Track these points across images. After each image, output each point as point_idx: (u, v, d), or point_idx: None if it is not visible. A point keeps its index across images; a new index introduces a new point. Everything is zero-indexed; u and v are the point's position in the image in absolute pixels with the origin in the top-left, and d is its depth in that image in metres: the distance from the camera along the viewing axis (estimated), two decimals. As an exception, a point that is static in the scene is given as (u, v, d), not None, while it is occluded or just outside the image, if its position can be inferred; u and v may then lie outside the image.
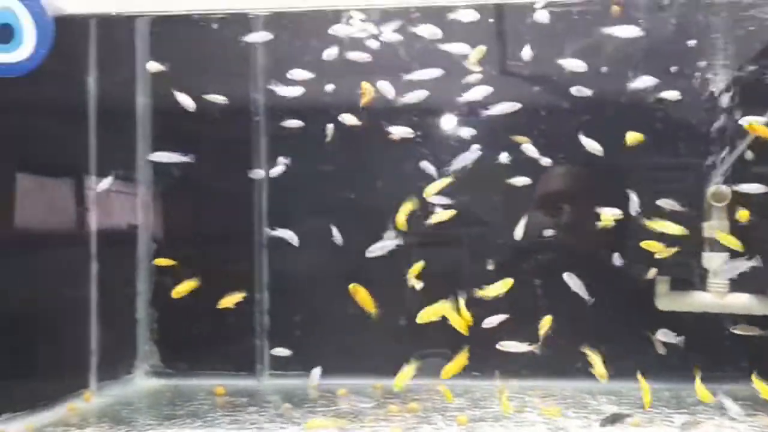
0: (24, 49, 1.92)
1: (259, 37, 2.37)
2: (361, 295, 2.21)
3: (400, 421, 2.19)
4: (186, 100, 2.37)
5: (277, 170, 2.49)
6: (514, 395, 2.49)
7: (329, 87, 2.49)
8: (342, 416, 2.21)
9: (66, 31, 2.07)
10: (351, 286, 2.19)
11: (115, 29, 2.58)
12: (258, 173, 2.53)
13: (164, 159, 2.41)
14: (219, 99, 2.40)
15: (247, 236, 2.65)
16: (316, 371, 2.48)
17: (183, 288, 2.29)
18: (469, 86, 2.38)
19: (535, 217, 2.65)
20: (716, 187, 2.52)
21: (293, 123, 2.48)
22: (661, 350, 2.40)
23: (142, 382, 2.69)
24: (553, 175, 2.67)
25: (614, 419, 2.19)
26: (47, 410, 2.23)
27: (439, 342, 2.65)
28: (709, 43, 2.52)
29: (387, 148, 2.45)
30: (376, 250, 2.31)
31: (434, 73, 2.36)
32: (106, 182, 2.43)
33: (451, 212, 2.39)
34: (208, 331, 2.60)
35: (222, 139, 2.68)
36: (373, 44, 2.39)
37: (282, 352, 2.50)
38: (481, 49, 2.35)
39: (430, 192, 2.36)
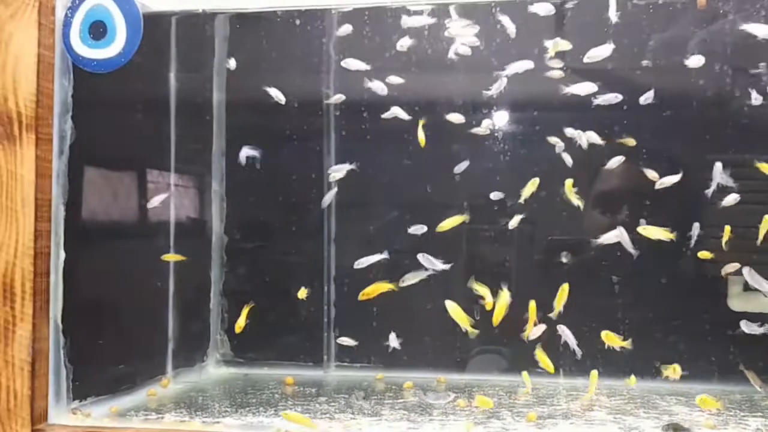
0: (116, 45, 2.00)
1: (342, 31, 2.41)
2: (457, 312, 2.29)
3: (468, 415, 2.20)
4: (277, 94, 2.43)
5: (339, 174, 2.52)
6: (581, 393, 2.48)
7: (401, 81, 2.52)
8: (410, 410, 2.25)
9: (150, 28, 2.14)
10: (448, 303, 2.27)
11: (195, 26, 2.65)
12: (337, 169, 2.54)
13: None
14: (278, 95, 2.45)
15: (316, 230, 2.70)
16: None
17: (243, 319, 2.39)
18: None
19: (599, 217, 2.63)
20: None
21: (393, 112, 2.49)
22: (759, 386, 2.34)
23: (213, 370, 2.77)
24: (618, 173, 2.63)
25: (675, 429, 2.16)
26: (128, 394, 2.32)
27: (499, 339, 2.68)
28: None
29: (461, 143, 2.47)
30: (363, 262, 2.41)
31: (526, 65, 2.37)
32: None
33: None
34: (276, 322, 2.65)
35: (294, 134, 2.73)
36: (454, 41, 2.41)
37: (347, 341, 2.53)
38: (561, 42, 2.34)
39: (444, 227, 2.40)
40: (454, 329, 2.36)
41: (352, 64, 2.45)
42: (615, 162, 2.46)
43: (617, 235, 2.35)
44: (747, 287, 2.53)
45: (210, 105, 2.78)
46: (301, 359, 2.71)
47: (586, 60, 2.27)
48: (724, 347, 2.52)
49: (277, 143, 2.73)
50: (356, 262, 2.40)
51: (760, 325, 2.28)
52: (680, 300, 2.42)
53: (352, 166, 2.46)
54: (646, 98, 2.34)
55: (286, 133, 2.71)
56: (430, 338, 2.67)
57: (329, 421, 2.13)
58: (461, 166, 2.50)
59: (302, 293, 2.42)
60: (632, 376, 2.25)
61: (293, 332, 2.68)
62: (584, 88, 2.36)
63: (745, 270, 2.25)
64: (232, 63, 2.49)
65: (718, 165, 2.40)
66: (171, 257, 2.51)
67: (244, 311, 2.38)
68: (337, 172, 2.46)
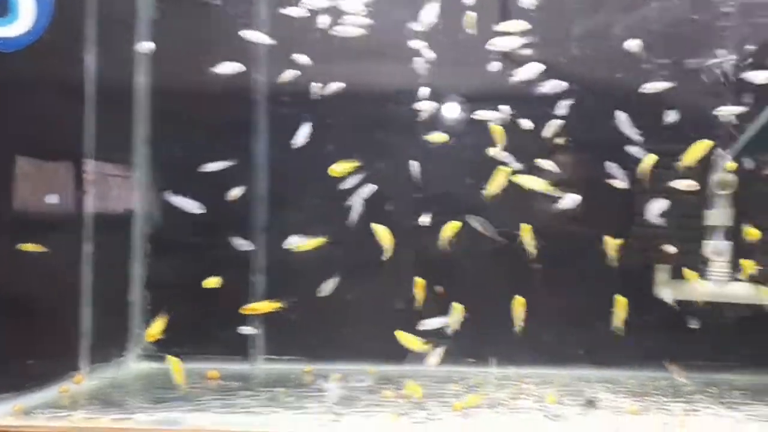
0: (22, 22, 1.88)
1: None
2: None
3: (394, 406, 2.16)
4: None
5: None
6: (510, 382, 2.46)
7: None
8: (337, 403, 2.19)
9: (64, 4, 2.03)
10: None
11: (115, 4, 2.53)
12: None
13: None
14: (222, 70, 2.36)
15: (246, 219, 2.62)
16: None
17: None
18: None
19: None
20: (720, 175, 2.49)
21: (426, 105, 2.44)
22: (682, 378, 2.36)
23: (134, 365, 2.66)
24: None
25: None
26: (37, 392, 2.20)
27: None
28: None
29: (392, 131, 2.43)
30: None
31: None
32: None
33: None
34: (202, 314, 2.56)
35: (222, 120, 2.64)
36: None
37: (249, 330, 2.46)
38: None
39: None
40: (385, 320, 2.32)
41: (251, 35, 2.39)
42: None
43: (574, 200, 2.38)
44: (674, 275, 2.56)
45: (132, 90, 2.66)
46: (228, 353, 2.62)
47: (488, 47, 2.26)
48: (650, 335, 2.54)
49: (204, 130, 2.63)
50: (285, 242, 2.35)
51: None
52: (608, 288, 2.42)
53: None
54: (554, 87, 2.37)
55: (213, 120, 2.62)
56: (361, 329, 2.62)
57: (249, 415, 2.07)
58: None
59: (213, 282, 2.33)
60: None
61: (219, 325, 2.59)
62: (531, 69, 2.36)
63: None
64: (147, 46, 2.37)
65: (622, 115, 2.42)
66: (29, 247, 2.35)
67: (159, 322, 2.30)
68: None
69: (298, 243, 2.36)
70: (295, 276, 2.56)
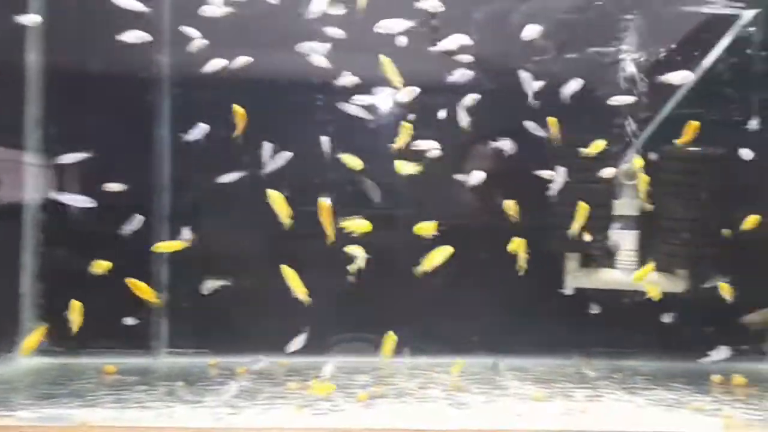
0: None
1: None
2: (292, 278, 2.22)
3: (297, 398, 2.10)
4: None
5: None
6: (421, 372, 2.44)
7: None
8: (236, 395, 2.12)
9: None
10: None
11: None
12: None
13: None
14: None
15: (147, 206, 2.50)
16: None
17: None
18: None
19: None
20: (627, 166, 2.52)
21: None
22: (591, 372, 2.37)
23: (25, 360, 2.50)
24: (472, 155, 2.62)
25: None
26: None
27: (346, 321, 2.60)
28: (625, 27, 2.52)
29: (298, 120, 2.36)
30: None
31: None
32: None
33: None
34: (99, 306, 2.43)
35: (122, 102, 2.51)
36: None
37: (130, 321, 2.35)
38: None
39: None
40: (293, 312, 2.26)
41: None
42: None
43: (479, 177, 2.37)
44: (584, 263, 2.59)
45: (22, 67, 2.49)
46: (128, 346, 2.49)
47: (376, 29, 2.23)
48: (559, 323, 2.56)
49: (103, 112, 2.50)
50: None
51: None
52: (519, 276, 2.42)
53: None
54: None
55: (113, 102, 2.48)
56: (270, 322, 2.54)
57: (143, 410, 1.97)
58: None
59: (100, 266, 2.22)
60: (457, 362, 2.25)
61: (119, 318, 2.45)
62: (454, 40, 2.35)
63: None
64: (33, 19, 2.21)
65: (525, 75, 2.43)
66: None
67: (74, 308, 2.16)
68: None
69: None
70: (199, 266, 2.46)
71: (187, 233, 2.36)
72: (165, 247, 2.34)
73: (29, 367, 2.46)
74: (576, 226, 2.42)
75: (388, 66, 2.34)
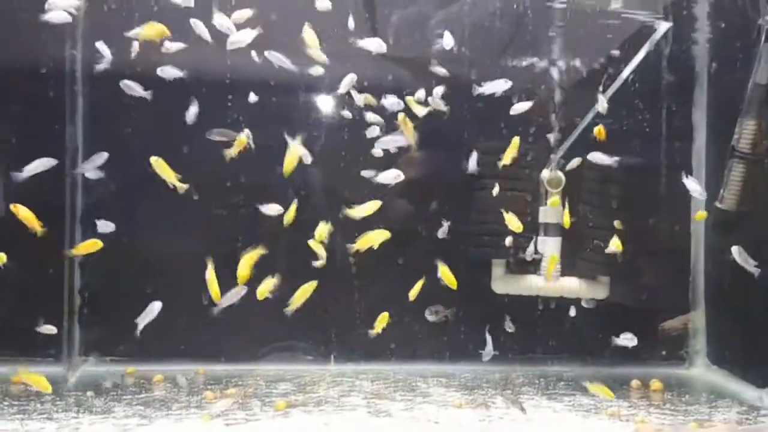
0: None
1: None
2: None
3: (212, 407, 2.04)
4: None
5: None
6: (346, 379, 2.41)
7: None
8: (149, 405, 2.04)
9: None
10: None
11: None
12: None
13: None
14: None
15: (58, 204, 2.39)
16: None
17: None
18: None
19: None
20: (551, 173, 2.55)
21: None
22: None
23: None
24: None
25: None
26: None
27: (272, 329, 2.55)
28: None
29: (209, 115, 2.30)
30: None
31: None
32: None
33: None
34: (8, 310, 2.32)
35: (33, 99, 2.40)
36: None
37: (49, 329, 2.25)
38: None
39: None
40: (212, 318, 2.19)
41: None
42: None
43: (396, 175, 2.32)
44: (509, 270, 2.60)
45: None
46: (39, 354, 2.37)
47: (229, 47, 2.19)
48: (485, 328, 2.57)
49: (11, 107, 2.38)
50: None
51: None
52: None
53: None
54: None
55: (21, 97, 2.37)
56: (189, 328, 2.46)
57: (46, 421, 1.87)
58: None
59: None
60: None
61: (28, 323, 2.33)
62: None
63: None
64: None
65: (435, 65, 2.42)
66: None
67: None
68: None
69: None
70: (113, 268, 2.37)
71: (106, 226, 2.24)
72: (84, 248, 2.21)
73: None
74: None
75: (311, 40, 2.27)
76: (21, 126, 2.37)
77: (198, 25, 2.22)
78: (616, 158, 2.37)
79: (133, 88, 2.25)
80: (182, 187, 2.16)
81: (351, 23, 2.36)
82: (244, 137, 2.21)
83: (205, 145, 2.25)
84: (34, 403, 2.02)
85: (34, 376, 2.01)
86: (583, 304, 2.51)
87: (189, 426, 1.89)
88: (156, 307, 2.19)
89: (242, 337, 2.51)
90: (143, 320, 2.18)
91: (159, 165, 2.15)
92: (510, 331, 2.49)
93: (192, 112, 2.29)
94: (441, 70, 2.39)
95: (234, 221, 2.47)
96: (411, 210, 2.60)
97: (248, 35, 2.20)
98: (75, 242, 2.40)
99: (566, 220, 2.44)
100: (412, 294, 2.32)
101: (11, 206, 2.11)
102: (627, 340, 2.36)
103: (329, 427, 1.92)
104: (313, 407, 2.08)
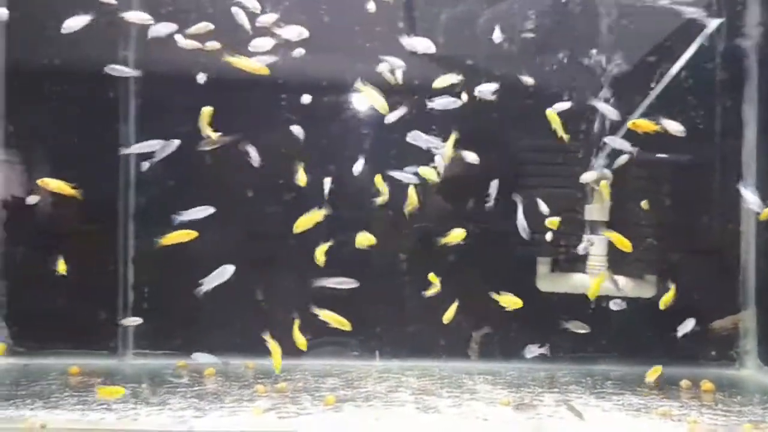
0: None
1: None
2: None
3: (265, 401, 2.08)
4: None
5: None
6: (393, 375, 2.43)
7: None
8: (203, 397, 2.09)
9: None
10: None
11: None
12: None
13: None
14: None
15: (112, 205, 2.45)
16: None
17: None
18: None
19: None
20: (598, 171, 2.53)
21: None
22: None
23: (-12, 360, 2.46)
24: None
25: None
26: None
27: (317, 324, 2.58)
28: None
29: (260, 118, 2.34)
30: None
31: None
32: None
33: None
34: (64, 306, 2.40)
35: (88, 100, 2.47)
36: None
37: (134, 321, 2.29)
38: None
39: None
40: (263, 314, 2.23)
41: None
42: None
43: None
44: (554, 268, 2.60)
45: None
46: (94, 347, 2.44)
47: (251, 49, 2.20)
48: (531, 327, 2.56)
49: (68, 108, 2.45)
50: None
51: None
52: (491, 281, 2.42)
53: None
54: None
55: (78, 98, 2.44)
56: (240, 323, 2.51)
57: (105, 412, 1.93)
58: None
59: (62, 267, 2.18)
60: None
61: (84, 317, 2.41)
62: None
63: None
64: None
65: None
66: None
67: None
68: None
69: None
70: (165, 266, 2.42)
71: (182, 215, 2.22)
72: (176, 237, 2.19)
73: (-7, 367, 2.42)
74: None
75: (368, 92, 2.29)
76: (78, 125, 2.44)
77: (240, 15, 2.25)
78: (636, 148, 2.32)
79: (121, 70, 2.25)
80: (215, 139, 2.18)
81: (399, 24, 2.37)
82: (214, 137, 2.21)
83: (255, 143, 2.29)
84: (92, 395, 2.08)
85: (111, 389, 2.04)
86: (611, 305, 2.45)
87: (242, 418, 1.92)
88: (228, 270, 2.16)
89: (289, 332, 2.54)
90: (211, 282, 2.16)
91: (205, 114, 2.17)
92: (570, 329, 2.47)
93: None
94: (529, 80, 2.37)
95: (286, 218, 2.50)
96: (458, 207, 2.60)
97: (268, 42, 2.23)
98: (128, 239, 2.47)
99: (620, 240, 2.33)
100: (447, 316, 2.31)
101: (38, 181, 2.13)
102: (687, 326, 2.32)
103: (380, 422, 1.94)
104: (362, 402, 2.11)
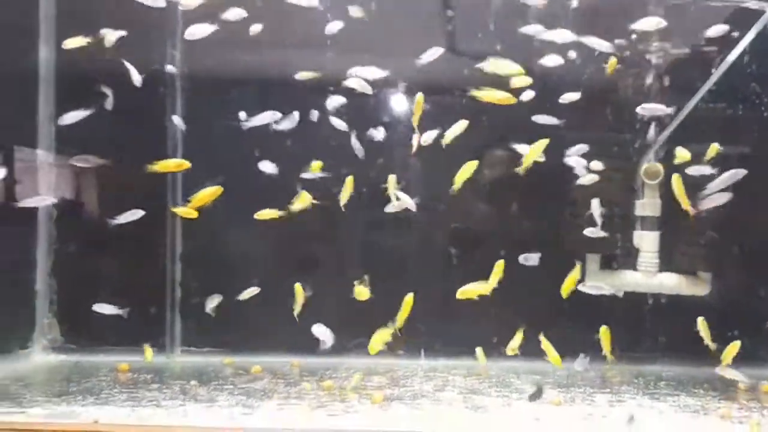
0: None
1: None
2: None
3: (311, 399, 2.07)
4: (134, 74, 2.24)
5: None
6: (439, 374, 2.40)
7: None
8: (251, 394, 2.09)
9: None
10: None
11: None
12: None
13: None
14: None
15: (160, 203, 2.48)
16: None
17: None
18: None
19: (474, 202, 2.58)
20: (649, 164, 2.46)
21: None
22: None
23: (39, 357, 2.49)
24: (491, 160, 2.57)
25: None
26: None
27: (360, 320, 2.56)
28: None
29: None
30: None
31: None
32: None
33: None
34: (114, 304, 2.42)
35: (135, 103, 2.49)
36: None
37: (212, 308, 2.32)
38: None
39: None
40: (305, 311, 2.23)
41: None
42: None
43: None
44: (603, 265, 2.53)
45: (35, 62, 2.48)
46: (142, 344, 2.47)
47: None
48: (580, 325, 2.50)
49: (116, 109, 2.47)
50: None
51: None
52: (540, 278, 2.37)
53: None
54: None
55: (127, 99, 2.47)
56: (286, 322, 2.50)
57: (155, 408, 1.94)
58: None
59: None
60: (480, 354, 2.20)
61: (133, 315, 2.43)
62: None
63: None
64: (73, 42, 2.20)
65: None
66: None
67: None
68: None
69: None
70: (213, 264, 2.44)
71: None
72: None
73: (44, 363, 2.46)
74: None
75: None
76: (126, 125, 2.46)
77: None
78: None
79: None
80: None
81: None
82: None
83: (300, 141, 2.29)
84: (142, 391, 2.10)
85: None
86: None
87: (291, 415, 1.91)
88: None
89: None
90: None
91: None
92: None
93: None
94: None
95: (331, 215, 2.49)
96: (507, 206, 2.56)
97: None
98: (176, 237, 2.49)
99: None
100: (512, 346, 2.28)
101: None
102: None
103: (431, 420, 1.91)
104: (410, 401, 2.08)
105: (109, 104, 2.28)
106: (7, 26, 2.31)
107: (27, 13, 2.42)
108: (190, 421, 1.85)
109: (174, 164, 2.20)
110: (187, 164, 2.19)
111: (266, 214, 2.25)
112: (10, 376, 2.26)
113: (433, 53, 2.29)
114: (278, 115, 2.23)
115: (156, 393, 2.09)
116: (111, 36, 2.22)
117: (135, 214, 2.21)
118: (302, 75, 2.31)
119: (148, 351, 2.41)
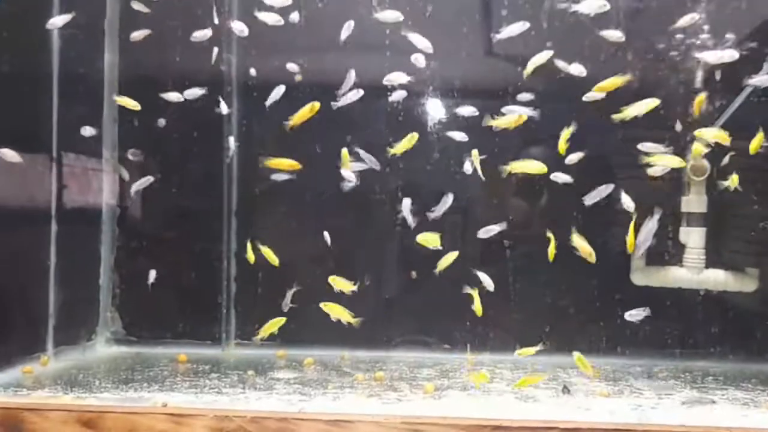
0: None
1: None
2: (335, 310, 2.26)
3: (365, 388, 2.13)
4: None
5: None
6: (486, 368, 2.44)
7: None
8: (306, 384, 2.16)
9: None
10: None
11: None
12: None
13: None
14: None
15: (216, 203, 2.57)
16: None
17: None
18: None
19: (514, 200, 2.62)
20: (695, 161, 2.48)
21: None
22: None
23: (103, 348, 2.61)
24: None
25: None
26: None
27: (408, 317, 2.63)
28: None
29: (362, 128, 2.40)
30: None
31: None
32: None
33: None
34: (172, 298, 2.52)
35: (193, 109, 2.59)
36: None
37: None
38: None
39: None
40: (355, 305, 2.29)
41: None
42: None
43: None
44: (649, 262, 2.55)
45: (101, 68, 2.60)
46: (199, 337, 2.57)
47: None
48: (625, 321, 2.52)
49: (177, 112, 2.58)
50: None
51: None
52: (585, 274, 2.41)
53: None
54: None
55: (186, 104, 2.57)
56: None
57: (217, 395, 2.03)
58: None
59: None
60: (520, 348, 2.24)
61: (190, 309, 2.54)
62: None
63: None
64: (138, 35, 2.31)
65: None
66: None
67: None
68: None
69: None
70: (266, 262, 2.52)
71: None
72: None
73: (108, 354, 2.57)
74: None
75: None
76: (186, 128, 2.57)
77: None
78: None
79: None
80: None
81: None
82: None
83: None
84: (203, 380, 2.19)
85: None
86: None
87: (346, 402, 1.98)
88: None
89: (379, 325, 2.60)
90: None
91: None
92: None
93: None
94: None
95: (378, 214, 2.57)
96: (549, 203, 2.60)
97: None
98: (231, 235, 2.58)
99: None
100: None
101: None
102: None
103: (485, 408, 1.95)
104: (460, 391, 2.13)
105: (171, 109, 2.38)
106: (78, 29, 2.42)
107: (94, 17, 2.53)
108: (252, 406, 1.92)
109: (287, 164, 2.31)
110: (298, 165, 2.28)
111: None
112: (78, 365, 2.37)
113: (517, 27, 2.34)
114: (361, 92, 2.28)
115: (216, 381, 2.18)
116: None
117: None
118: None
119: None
